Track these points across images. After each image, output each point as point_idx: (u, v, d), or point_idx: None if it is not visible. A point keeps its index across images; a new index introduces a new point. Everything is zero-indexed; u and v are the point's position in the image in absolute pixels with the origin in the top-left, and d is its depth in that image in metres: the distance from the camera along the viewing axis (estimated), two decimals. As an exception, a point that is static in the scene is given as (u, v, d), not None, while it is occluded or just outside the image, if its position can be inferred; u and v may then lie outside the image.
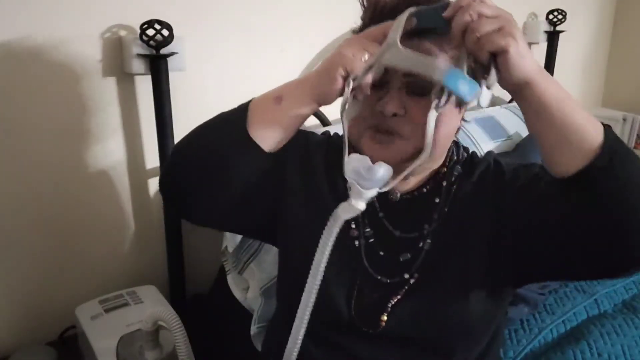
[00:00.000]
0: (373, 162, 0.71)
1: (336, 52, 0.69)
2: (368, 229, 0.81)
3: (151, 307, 1.08)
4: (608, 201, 0.64)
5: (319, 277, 0.67)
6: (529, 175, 0.76)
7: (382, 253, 0.80)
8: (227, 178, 0.74)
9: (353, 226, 0.81)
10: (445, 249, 0.78)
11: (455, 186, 0.81)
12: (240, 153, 0.74)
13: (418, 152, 0.70)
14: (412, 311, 0.77)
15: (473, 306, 0.77)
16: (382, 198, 0.81)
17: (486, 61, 0.62)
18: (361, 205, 0.65)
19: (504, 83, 0.64)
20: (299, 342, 0.71)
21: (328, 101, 0.71)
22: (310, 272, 0.67)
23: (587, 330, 1.20)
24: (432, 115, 0.65)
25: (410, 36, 0.67)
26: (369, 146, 0.74)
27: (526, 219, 0.73)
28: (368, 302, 0.78)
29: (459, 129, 0.79)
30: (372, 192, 0.65)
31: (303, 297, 0.68)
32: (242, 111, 0.75)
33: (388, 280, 0.79)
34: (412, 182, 0.81)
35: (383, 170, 0.65)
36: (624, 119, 2.29)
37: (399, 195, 0.81)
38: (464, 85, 0.62)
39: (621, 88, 2.50)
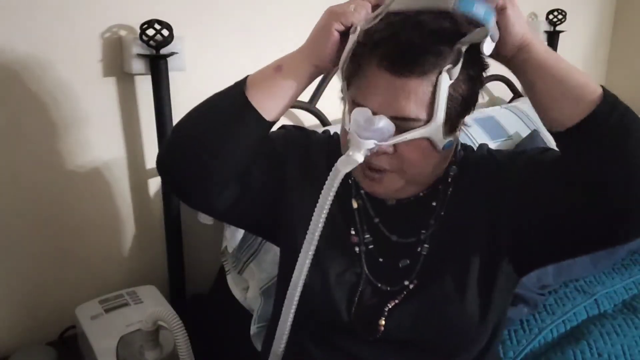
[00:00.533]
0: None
1: (325, 13, 0.71)
2: (367, 235, 0.81)
3: (151, 307, 1.08)
4: (610, 149, 0.64)
5: (317, 234, 0.68)
6: (525, 157, 0.78)
7: (381, 260, 0.80)
8: (226, 152, 0.73)
9: (353, 232, 0.81)
10: (443, 253, 0.78)
11: (451, 188, 0.80)
12: (239, 120, 0.72)
13: (410, 183, 0.74)
14: (411, 315, 0.77)
15: (472, 307, 0.77)
16: (377, 203, 0.81)
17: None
18: (359, 157, 0.66)
19: (504, 46, 0.66)
20: (292, 314, 0.71)
21: (326, 61, 0.72)
22: (309, 229, 0.68)
23: (587, 330, 1.20)
24: (445, 80, 0.65)
25: (398, 73, 0.66)
26: (362, 181, 0.77)
27: (527, 192, 0.73)
28: (366, 306, 0.78)
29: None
30: (370, 144, 0.66)
31: (300, 257, 0.69)
32: (239, 82, 0.74)
33: (388, 288, 0.79)
34: (412, 190, 0.79)
35: (383, 123, 0.66)
36: (624, 119, 2.29)
37: (394, 200, 0.80)
38: (479, 7, 0.62)
39: (621, 88, 2.50)
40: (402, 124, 0.67)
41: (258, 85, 0.73)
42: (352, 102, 0.71)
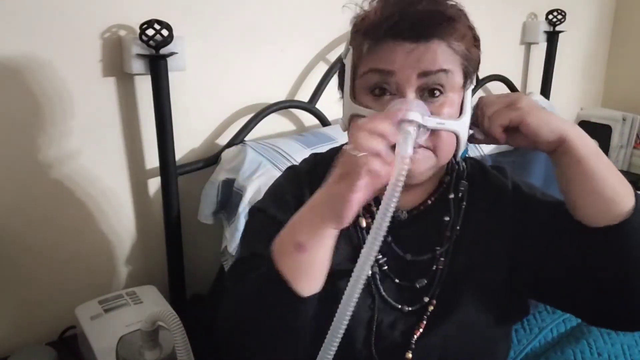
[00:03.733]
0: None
1: (337, 177, 0.60)
2: (379, 256, 0.76)
3: (151, 307, 1.08)
4: (630, 256, 0.65)
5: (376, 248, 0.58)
6: (551, 211, 0.74)
7: (397, 280, 0.76)
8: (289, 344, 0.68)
9: None
10: (461, 273, 0.75)
11: (465, 202, 0.78)
12: (295, 316, 0.65)
13: (436, 167, 0.72)
14: (438, 343, 0.73)
15: (495, 326, 0.75)
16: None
17: (499, 136, 0.69)
18: (413, 131, 0.62)
19: (539, 145, 0.67)
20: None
21: (350, 221, 0.62)
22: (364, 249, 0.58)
23: (587, 329, 1.20)
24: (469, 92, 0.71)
25: (418, 38, 0.66)
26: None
27: (547, 251, 0.72)
28: (389, 341, 0.73)
29: None
30: (416, 115, 0.64)
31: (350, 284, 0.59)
32: (276, 277, 0.63)
33: (409, 308, 0.75)
34: (419, 194, 0.78)
35: (416, 100, 0.67)
36: (624, 119, 2.29)
37: (406, 213, 0.78)
38: None
39: (621, 88, 2.50)
40: (433, 78, 0.67)
41: (295, 276, 0.63)
42: (371, 70, 0.68)
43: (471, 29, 0.71)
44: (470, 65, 0.70)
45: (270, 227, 0.71)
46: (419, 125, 0.64)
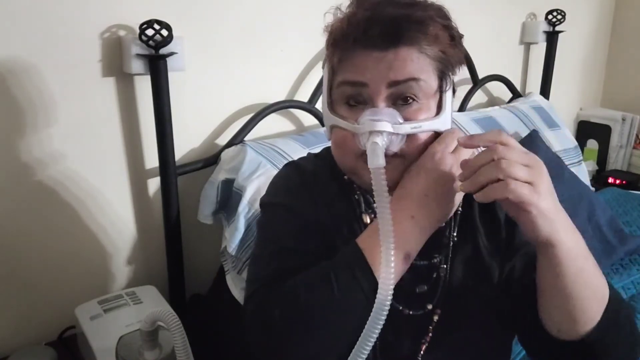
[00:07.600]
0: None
1: (435, 176, 0.67)
2: None
3: (150, 307, 1.08)
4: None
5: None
6: (529, 272, 0.71)
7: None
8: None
9: None
10: (462, 281, 0.74)
11: (460, 209, 0.76)
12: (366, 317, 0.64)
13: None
14: (445, 355, 0.73)
15: (501, 335, 0.75)
16: None
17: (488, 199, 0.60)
18: (380, 141, 0.64)
19: (526, 234, 0.63)
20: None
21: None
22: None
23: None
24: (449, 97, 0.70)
25: (387, 46, 0.65)
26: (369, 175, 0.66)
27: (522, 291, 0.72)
28: (396, 353, 0.73)
29: None
30: (386, 125, 0.65)
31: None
32: (369, 289, 0.64)
33: (410, 312, 0.73)
34: None
35: (386, 109, 0.67)
36: (623, 119, 2.30)
37: None
38: None
39: (620, 88, 2.51)
40: (403, 87, 0.66)
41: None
42: (344, 82, 0.69)
43: (447, 28, 0.68)
44: (447, 68, 0.69)
45: (294, 220, 0.73)
46: (391, 134, 0.65)
